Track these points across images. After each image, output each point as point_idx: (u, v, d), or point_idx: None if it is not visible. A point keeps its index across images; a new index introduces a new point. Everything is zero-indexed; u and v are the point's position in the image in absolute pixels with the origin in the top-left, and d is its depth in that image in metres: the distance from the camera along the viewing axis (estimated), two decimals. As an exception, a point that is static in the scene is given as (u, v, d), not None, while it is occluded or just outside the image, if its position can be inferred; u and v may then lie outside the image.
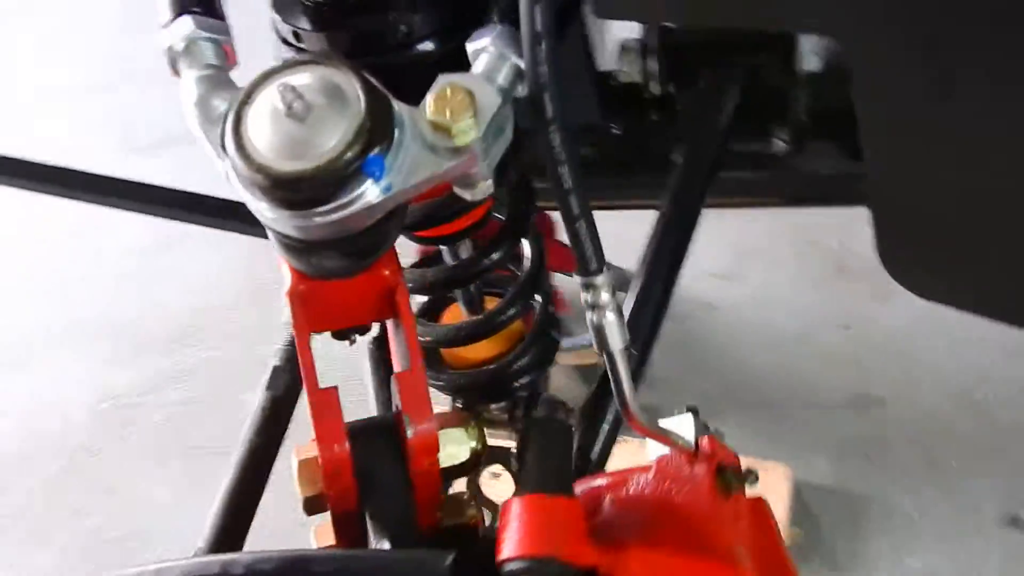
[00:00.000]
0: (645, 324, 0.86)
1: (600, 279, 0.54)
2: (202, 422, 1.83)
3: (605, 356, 0.57)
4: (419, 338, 0.89)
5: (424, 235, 0.81)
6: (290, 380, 0.87)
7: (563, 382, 1.34)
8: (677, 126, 0.94)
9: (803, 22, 0.65)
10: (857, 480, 1.50)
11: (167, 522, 1.72)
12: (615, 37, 0.96)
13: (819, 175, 1.04)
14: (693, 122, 0.88)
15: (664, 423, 0.65)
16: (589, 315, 0.55)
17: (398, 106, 0.50)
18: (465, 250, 0.85)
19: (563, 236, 0.55)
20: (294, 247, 0.54)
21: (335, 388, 0.58)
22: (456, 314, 1.02)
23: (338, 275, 0.58)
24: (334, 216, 0.50)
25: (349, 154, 0.48)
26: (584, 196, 0.52)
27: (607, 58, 0.94)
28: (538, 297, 0.91)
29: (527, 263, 0.88)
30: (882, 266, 0.70)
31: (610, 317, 0.55)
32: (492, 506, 0.76)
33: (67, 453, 1.87)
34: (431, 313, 1.04)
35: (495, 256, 0.80)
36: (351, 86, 0.50)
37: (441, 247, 0.85)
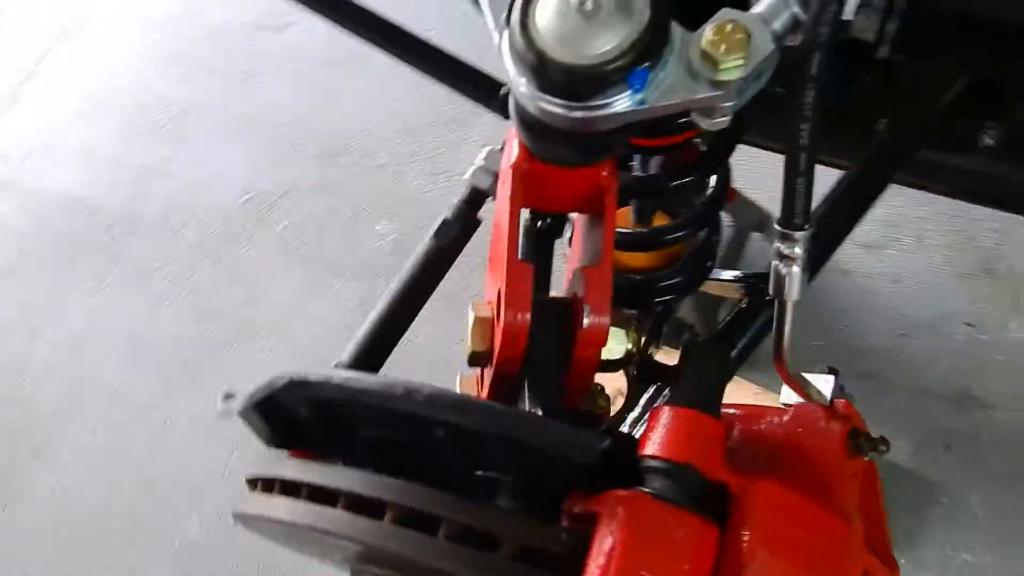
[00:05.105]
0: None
1: (801, 235, 0.57)
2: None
3: (777, 303, 0.60)
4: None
5: (632, 140, 0.81)
6: (457, 233, 0.92)
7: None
8: (889, 95, 0.92)
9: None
10: (933, 468, 1.53)
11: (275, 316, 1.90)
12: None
13: (1009, 178, 1.03)
14: (911, 98, 0.87)
15: (805, 376, 0.68)
16: (776, 263, 0.58)
17: (674, 27, 0.53)
18: (655, 166, 0.87)
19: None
20: (534, 127, 0.58)
21: (531, 263, 0.63)
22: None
23: (564, 163, 0.62)
24: (584, 114, 0.54)
25: (620, 62, 0.52)
26: (813, 155, 0.53)
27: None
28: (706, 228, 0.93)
29: (707, 194, 0.90)
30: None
31: (795, 271, 0.58)
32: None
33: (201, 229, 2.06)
34: None
35: (687, 178, 0.83)
36: (642, -2, 0.52)
37: (636, 155, 0.88)
